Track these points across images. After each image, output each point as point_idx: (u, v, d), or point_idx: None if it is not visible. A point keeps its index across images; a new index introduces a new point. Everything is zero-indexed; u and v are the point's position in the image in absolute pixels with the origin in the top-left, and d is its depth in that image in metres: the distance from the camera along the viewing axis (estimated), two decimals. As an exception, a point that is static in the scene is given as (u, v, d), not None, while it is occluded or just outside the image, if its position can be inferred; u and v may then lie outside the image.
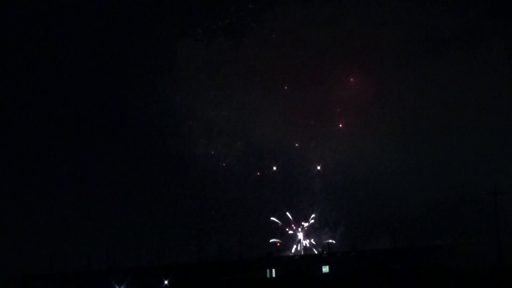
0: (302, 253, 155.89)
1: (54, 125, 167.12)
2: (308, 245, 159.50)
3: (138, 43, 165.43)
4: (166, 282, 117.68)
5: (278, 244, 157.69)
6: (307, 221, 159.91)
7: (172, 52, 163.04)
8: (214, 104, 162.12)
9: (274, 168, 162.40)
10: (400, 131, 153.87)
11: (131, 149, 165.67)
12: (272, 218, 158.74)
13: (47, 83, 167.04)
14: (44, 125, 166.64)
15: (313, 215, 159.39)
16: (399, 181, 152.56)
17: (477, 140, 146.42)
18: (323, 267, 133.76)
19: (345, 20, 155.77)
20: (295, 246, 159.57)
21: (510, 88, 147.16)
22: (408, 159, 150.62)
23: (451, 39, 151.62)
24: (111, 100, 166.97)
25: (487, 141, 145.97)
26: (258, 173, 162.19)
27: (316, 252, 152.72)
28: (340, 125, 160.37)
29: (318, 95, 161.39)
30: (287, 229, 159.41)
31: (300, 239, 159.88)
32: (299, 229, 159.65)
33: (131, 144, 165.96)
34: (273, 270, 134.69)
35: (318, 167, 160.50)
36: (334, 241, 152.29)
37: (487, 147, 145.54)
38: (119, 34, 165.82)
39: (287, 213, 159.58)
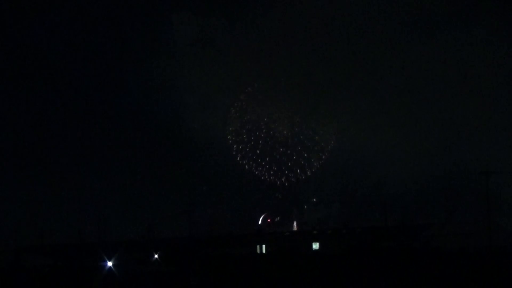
0: (293, 228, 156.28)
1: (49, 101, 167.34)
2: (297, 223, 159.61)
3: (134, 15, 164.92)
4: (156, 256, 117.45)
5: (269, 220, 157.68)
6: (301, 197, 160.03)
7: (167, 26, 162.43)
8: (210, 79, 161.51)
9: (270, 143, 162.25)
10: (395, 112, 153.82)
11: (125, 123, 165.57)
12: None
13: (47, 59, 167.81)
14: (39, 100, 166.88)
15: (311, 196, 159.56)
16: (393, 160, 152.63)
17: (469, 120, 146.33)
18: (313, 244, 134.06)
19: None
20: (287, 223, 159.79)
21: (503, 68, 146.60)
22: (401, 139, 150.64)
23: (445, 18, 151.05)
24: (106, 74, 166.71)
25: (479, 122, 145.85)
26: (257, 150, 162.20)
27: (310, 228, 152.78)
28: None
29: (315, 74, 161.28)
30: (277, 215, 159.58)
31: (293, 216, 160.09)
32: (294, 206, 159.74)
33: (124, 119, 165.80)
34: (263, 246, 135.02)
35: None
36: (329, 226, 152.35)
37: (479, 127, 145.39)
38: (115, 9, 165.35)
39: (280, 192, 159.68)
